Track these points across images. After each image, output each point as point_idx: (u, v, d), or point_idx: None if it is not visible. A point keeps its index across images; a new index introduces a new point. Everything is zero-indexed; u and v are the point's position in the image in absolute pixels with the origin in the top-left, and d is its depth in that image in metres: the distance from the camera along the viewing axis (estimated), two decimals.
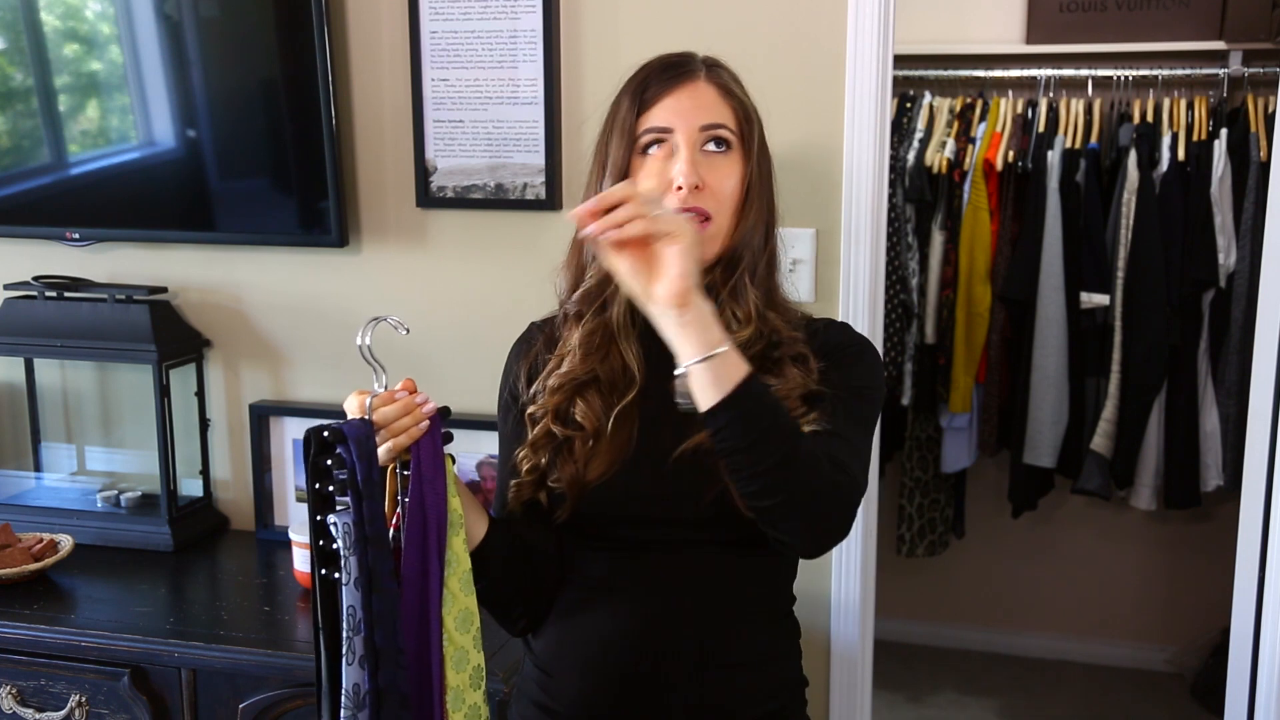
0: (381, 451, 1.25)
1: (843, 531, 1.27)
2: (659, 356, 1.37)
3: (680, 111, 1.32)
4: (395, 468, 1.28)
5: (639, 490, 1.34)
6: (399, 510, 1.27)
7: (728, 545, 1.35)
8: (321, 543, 1.25)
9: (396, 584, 1.25)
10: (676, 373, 1.20)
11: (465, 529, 1.30)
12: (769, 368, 1.34)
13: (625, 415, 1.35)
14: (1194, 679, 3.57)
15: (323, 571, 1.26)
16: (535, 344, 1.45)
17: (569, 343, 1.39)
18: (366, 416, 1.25)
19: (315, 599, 1.27)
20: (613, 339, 1.37)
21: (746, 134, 1.36)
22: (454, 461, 1.31)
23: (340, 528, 1.23)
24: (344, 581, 1.23)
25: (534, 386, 1.41)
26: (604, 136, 1.38)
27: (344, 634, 1.23)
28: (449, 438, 1.30)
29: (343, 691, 1.23)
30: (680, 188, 1.31)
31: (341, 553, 1.23)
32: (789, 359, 1.35)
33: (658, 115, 1.33)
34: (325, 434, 1.23)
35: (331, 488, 1.24)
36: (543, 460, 1.36)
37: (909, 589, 3.78)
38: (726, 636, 1.37)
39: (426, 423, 1.27)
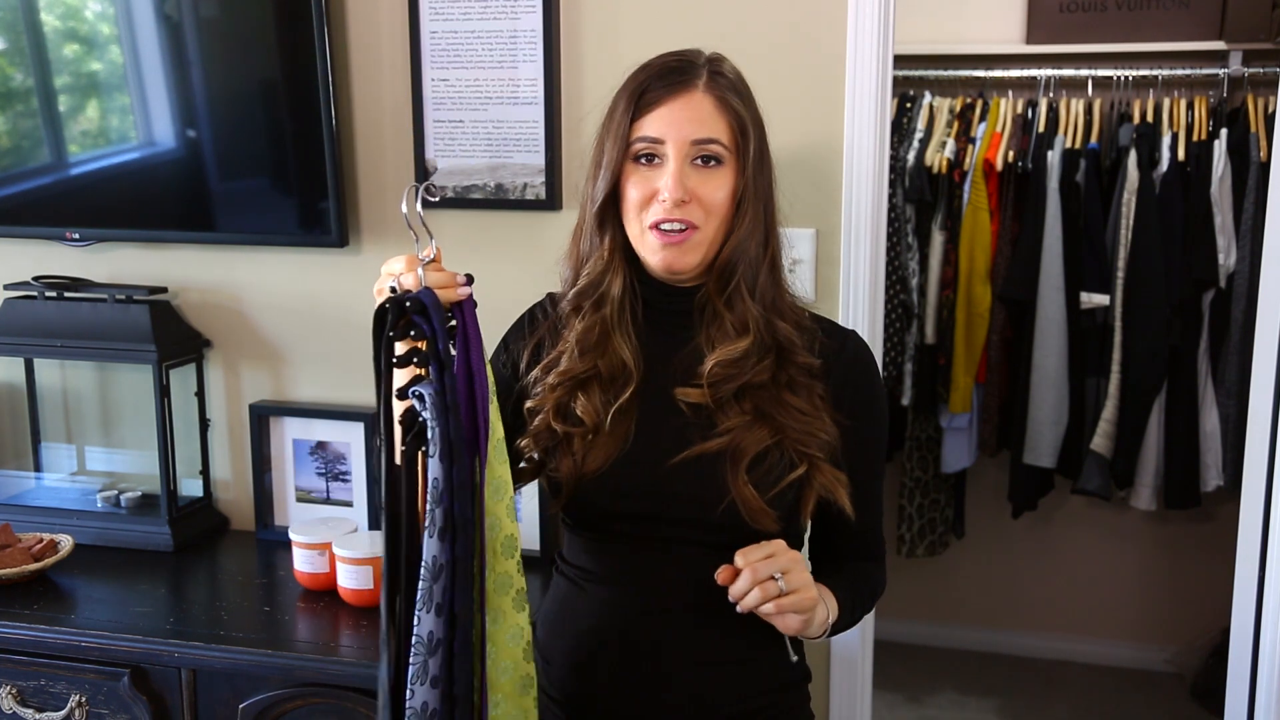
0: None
1: None
2: (657, 350, 1.40)
3: (673, 122, 1.31)
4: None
5: (635, 487, 1.35)
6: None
7: (723, 547, 1.35)
8: (402, 417, 1.23)
9: (465, 455, 1.23)
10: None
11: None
12: (790, 386, 1.36)
13: (623, 410, 1.36)
14: (1194, 679, 3.57)
15: (401, 447, 1.24)
16: (548, 319, 1.46)
17: (568, 339, 1.41)
18: (426, 286, 1.22)
19: (387, 476, 1.25)
20: (609, 334, 1.38)
21: (741, 146, 1.34)
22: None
23: (428, 399, 1.20)
24: (430, 453, 1.20)
25: (532, 374, 1.43)
26: (601, 134, 1.38)
27: (428, 506, 1.21)
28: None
29: (422, 564, 1.21)
30: (665, 200, 1.31)
31: (430, 424, 1.20)
32: (804, 378, 1.37)
33: (651, 124, 1.32)
34: (408, 304, 1.20)
35: (404, 353, 1.21)
36: (541, 451, 1.39)
37: (909, 589, 3.78)
38: (719, 631, 1.37)
39: (468, 289, 1.26)
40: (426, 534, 1.21)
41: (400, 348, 1.21)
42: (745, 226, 1.34)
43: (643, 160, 1.34)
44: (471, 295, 1.27)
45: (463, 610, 1.22)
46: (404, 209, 1.25)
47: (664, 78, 1.33)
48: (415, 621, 1.22)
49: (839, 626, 1.41)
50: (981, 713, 3.51)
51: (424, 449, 1.22)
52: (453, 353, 1.24)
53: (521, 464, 1.42)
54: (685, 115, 1.31)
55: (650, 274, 1.40)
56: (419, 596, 1.22)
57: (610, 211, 1.37)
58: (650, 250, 1.35)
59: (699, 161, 1.32)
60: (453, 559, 1.21)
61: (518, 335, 1.49)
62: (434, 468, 1.20)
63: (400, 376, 1.25)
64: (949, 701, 3.56)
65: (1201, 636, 3.57)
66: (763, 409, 1.34)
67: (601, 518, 1.39)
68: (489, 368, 1.27)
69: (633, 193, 1.34)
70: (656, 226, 1.33)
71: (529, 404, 1.41)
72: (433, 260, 1.24)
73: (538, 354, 1.44)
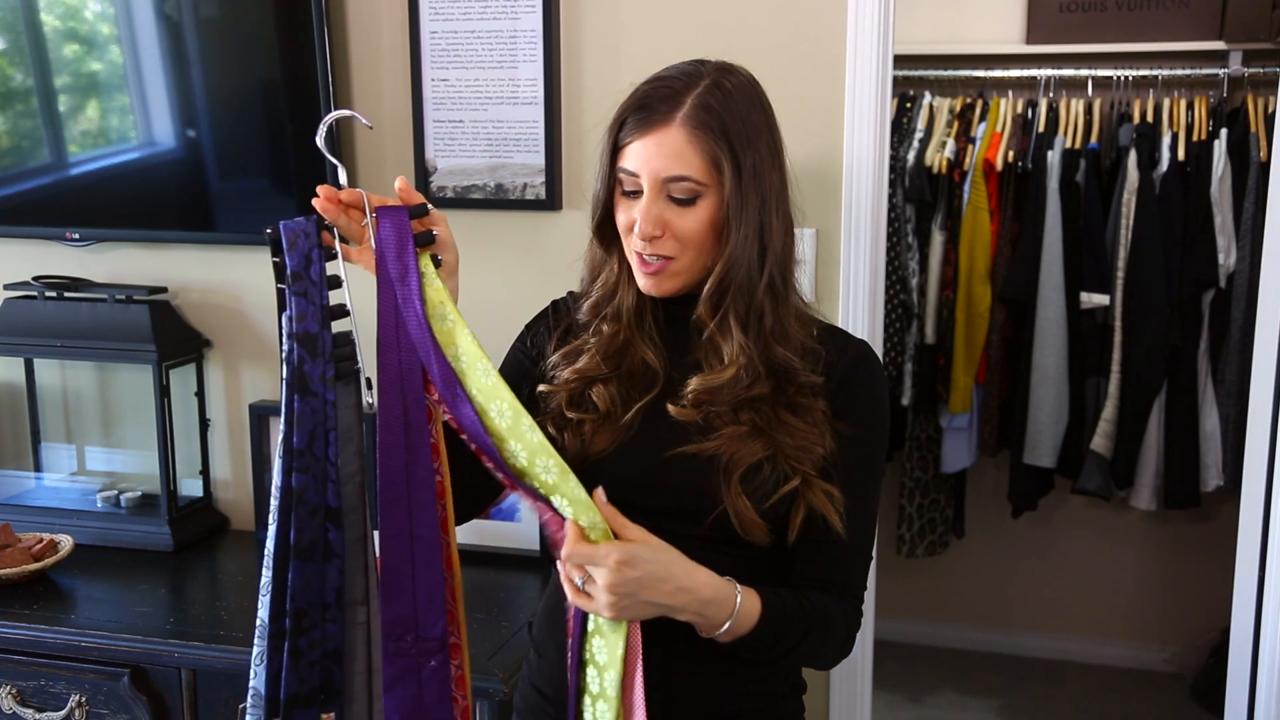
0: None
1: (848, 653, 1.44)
2: (672, 354, 1.41)
3: (646, 159, 1.31)
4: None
5: (630, 477, 1.35)
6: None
7: (717, 542, 1.35)
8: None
9: (325, 391, 1.19)
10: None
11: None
12: (790, 406, 1.35)
13: (637, 409, 1.38)
14: (1194, 679, 3.57)
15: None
16: (570, 316, 1.47)
17: (588, 340, 1.42)
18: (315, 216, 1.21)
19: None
20: (631, 342, 1.40)
21: (719, 179, 1.32)
22: (439, 264, 1.25)
23: (284, 326, 1.19)
24: (281, 376, 1.19)
25: (551, 360, 1.43)
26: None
27: (281, 433, 1.19)
28: (428, 238, 1.23)
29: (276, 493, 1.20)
30: (636, 234, 1.33)
31: (282, 351, 1.19)
32: (806, 397, 1.36)
33: (628, 159, 1.33)
34: (269, 231, 1.19)
35: (281, 286, 1.19)
36: (552, 432, 1.39)
37: (909, 589, 3.78)
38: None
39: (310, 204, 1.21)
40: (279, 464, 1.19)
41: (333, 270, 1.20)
42: (730, 253, 1.33)
43: (626, 189, 1.35)
44: (397, 218, 1.21)
45: (302, 544, 1.18)
46: (318, 141, 1.25)
47: (640, 110, 1.33)
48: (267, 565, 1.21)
49: (753, 642, 1.32)
50: (981, 713, 3.51)
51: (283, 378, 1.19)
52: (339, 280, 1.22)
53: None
54: (657, 151, 1.31)
55: None
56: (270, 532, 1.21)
57: (612, 230, 1.39)
58: (637, 275, 1.38)
59: (674, 196, 1.32)
60: (288, 488, 1.17)
61: (541, 324, 1.50)
62: (285, 393, 1.18)
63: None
64: (949, 701, 3.56)
65: (1201, 636, 3.57)
66: (759, 424, 1.34)
67: None
68: (443, 296, 1.22)
69: (620, 218, 1.37)
70: (639, 253, 1.36)
71: (543, 388, 1.42)
72: (344, 187, 1.21)
73: (562, 344, 1.45)
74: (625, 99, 1.36)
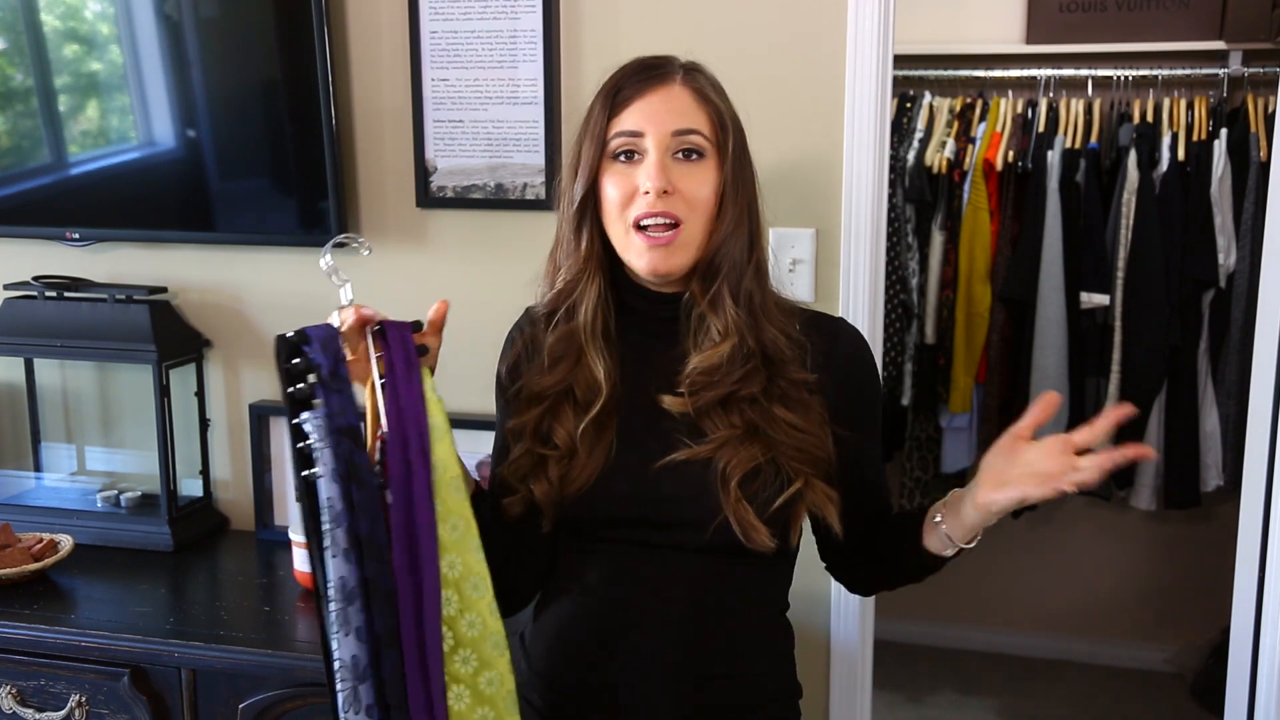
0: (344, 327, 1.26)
1: None
2: (640, 357, 1.37)
3: (651, 115, 1.29)
4: (374, 383, 1.26)
5: (622, 493, 1.33)
6: (381, 425, 1.26)
7: (717, 551, 1.33)
8: (300, 445, 1.25)
9: (377, 477, 1.24)
10: (946, 552, 1.41)
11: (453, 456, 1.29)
12: (782, 400, 1.33)
13: (600, 427, 1.34)
14: (1194, 679, 3.57)
15: (304, 473, 1.25)
16: (524, 336, 1.44)
17: (542, 351, 1.38)
18: (332, 324, 1.28)
19: (302, 501, 1.26)
20: (581, 348, 1.36)
21: (721, 141, 1.31)
22: (431, 373, 1.29)
23: (313, 423, 1.23)
24: (320, 474, 1.22)
25: (513, 388, 1.41)
26: (579, 138, 1.35)
27: (324, 527, 1.21)
28: (424, 350, 1.29)
29: (330, 586, 1.21)
30: (647, 192, 1.28)
31: (315, 447, 1.23)
32: (798, 392, 1.34)
33: (629, 118, 1.30)
34: (290, 335, 1.25)
35: (301, 386, 1.24)
36: (525, 473, 1.36)
37: (909, 589, 3.76)
38: (712, 644, 1.35)
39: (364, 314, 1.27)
40: (329, 554, 1.21)
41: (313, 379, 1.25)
42: (728, 224, 1.31)
43: (621, 158, 1.31)
44: (402, 333, 1.27)
45: (385, 632, 1.22)
46: (322, 263, 1.32)
47: (640, 73, 1.32)
48: (334, 646, 1.21)
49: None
50: (981, 713, 3.51)
51: (313, 472, 1.24)
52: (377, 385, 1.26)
53: (509, 486, 1.38)
54: (664, 107, 1.29)
55: (634, 279, 1.36)
56: (332, 619, 1.21)
57: (589, 215, 1.34)
58: (636, 253, 1.31)
59: (680, 155, 1.30)
60: (364, 578, 1.21)
61: (506, 350, 1.47)
62: (326, 488, 1.22)
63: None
64: (949, 701, 3.56)
65: (1201, 636, 3.57)
66: (754, 424, 1.31)
67: (591, 528, 1.36)
68: (436, 406, 1.27)
69: (612, 191, 1.31)
70: (640, 227, 1.29)
71: (511, 424, 1.38)
72: (351, 304, 1.28)
73: (516, 371, 1.42)
74: (608, 78, 1.34)
